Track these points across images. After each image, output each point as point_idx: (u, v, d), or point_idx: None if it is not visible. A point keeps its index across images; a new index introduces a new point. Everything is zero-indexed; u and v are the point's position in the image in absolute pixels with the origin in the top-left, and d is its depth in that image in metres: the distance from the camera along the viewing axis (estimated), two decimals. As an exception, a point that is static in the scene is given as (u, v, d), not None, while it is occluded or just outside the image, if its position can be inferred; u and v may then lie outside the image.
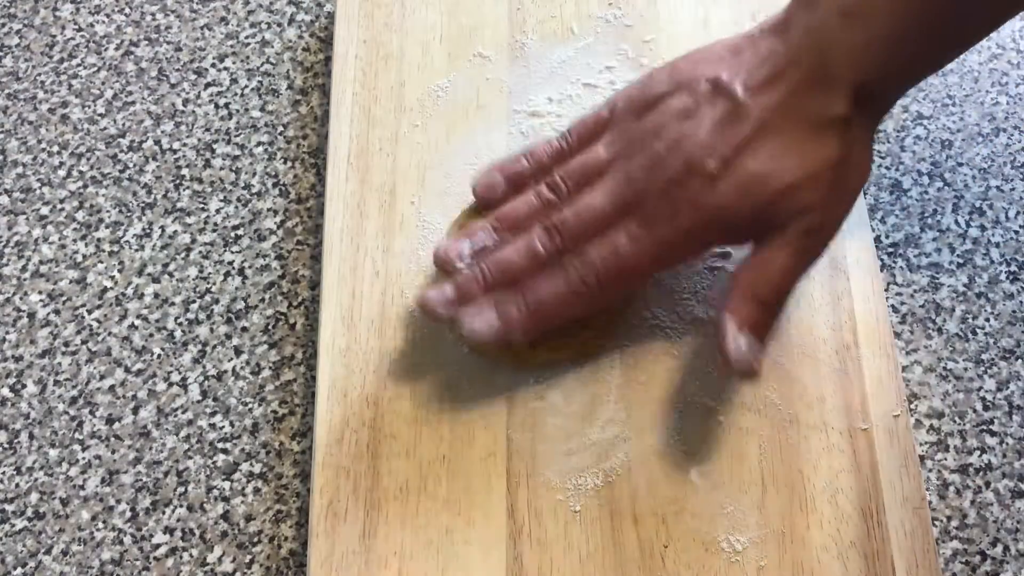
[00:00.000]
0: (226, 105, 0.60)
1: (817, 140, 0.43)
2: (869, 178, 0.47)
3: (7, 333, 0.53)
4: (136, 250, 0.55)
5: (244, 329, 0.53)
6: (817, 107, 0.43)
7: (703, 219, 0.44)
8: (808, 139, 0.43)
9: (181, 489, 0.49)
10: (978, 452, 0.50)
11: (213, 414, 0.51)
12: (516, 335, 0.45)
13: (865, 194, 0.55)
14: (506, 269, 0.46)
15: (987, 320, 0.53)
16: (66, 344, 0.53)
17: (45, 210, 0.57)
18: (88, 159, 0.58)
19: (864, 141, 0.45)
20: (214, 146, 0.58)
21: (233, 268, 0.55)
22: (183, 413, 0.51)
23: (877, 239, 0.55)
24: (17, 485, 0.49)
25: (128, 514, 0.49)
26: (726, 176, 0.43)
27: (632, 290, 0.50)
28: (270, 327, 0.53)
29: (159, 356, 0.52)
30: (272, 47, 0.62)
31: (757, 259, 0.45)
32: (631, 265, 0.45)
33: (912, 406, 0.51)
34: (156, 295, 0.54)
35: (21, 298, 0.54)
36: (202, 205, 0.57)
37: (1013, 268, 0.54)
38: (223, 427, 0.51)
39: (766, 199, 0.43)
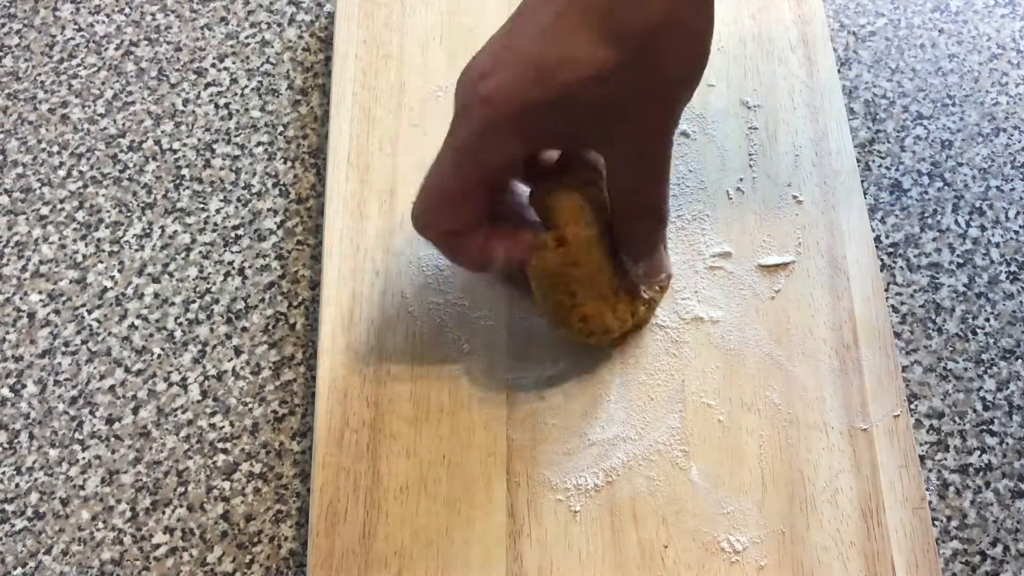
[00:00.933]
0: (226, 105, 0.60)
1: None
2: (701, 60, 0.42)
3: (7, 333, 0.53)
4: (136, 250, 0.55)
5: (244, 329, 0.53)
6: None
7: (494, 114, 0.41)
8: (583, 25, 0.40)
9: (181, 489, 0.49)
10: (978, 452, 0.50)
11: (213, 414, 0.51)
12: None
13: (865, 194, 0.55)
14: None
15: (987, 320, 0.53)
16: (66, 344, 0.53)
17: (45, 210, 0.57)
18: (88, 159, 0.58)
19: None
20: (214, 146, 0.58)
21: (233, 268, 0.55)
22: (183, 413, 0.51)
23: (877, 239, 0.55)
24: (17, 485, 0.49)
25: (128, 514, 0.49)
26: (501, 67, 0.41)
27: (470, 217, 0.45)
28: (270, 327, 0.53)
29: (159, 356, 0.52)
30: (272, 47, 0.62)
31: (610, 184, 0.45)
32: (438, 183, 0.44)
33: (912, 406, 0.51)
34: (156, 295, 0.54)
35: (21, 298, 0.54)
36: (202, 205, 0.57)
37: (1013, 268, 0.54)
38: (223, 427, 0.51)
39: (555, 86, 0.41)
